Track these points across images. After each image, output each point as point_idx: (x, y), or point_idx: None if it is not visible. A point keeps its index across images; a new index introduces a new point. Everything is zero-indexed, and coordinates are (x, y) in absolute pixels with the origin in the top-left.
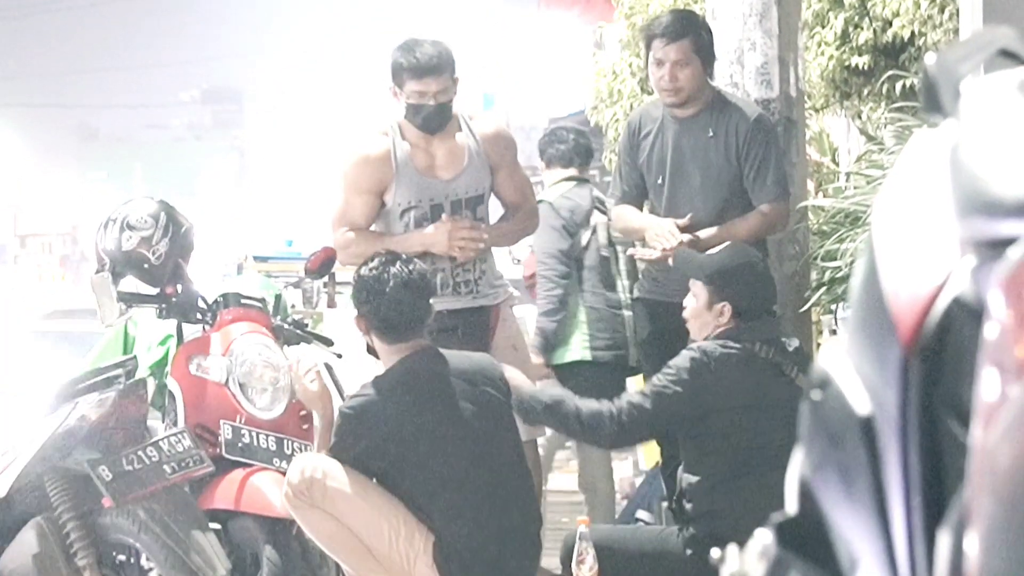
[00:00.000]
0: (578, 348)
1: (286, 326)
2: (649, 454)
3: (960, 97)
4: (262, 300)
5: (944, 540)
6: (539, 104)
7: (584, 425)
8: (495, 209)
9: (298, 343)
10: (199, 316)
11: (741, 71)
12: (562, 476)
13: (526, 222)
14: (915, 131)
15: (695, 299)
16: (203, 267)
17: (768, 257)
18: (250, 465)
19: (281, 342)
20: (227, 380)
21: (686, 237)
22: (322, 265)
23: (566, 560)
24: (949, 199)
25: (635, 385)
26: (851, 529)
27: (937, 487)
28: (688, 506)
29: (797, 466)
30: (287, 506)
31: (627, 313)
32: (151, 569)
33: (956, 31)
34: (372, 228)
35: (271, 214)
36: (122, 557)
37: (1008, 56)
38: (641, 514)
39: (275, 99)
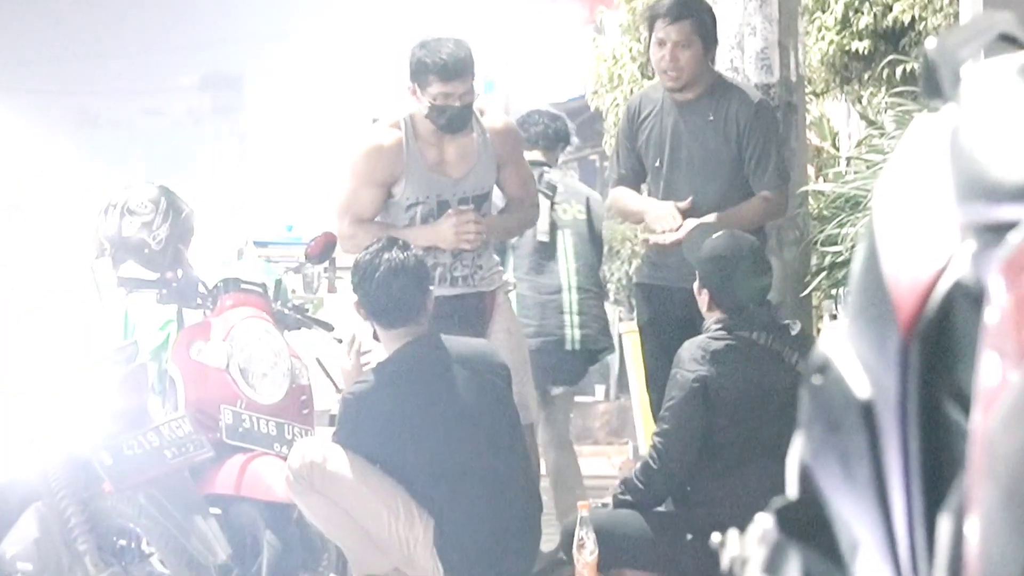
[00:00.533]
0: None
1: (286, 311)
2: (649, 438)
3: (960, 82)
4: (262, 285)
5: (944, 525)
6: (539, 89)
7: (647, 488)
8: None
9: (298, 328)
10: (199, 301)
11: (741, 56)
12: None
13: (528, 215)
14: (915, 116)
15: (695, 284)
16: (203, 252)
17: (768, 242)
18: (250, 450)
19: (281, 327)
20: (227, 365)
21: (692, 221)
22: (322, 250)
23: (566, 545)
24: (949, 184)
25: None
26: (851, 514)
27: (937, 472)
28: (688, 490)
29: (797, 451)
30: (288, 490)
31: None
32: (151, 554)
33: (956, 16)
34: (376, 219)
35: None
36: (122, 542)
37: (1008, 41)
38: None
39: (275, 84)
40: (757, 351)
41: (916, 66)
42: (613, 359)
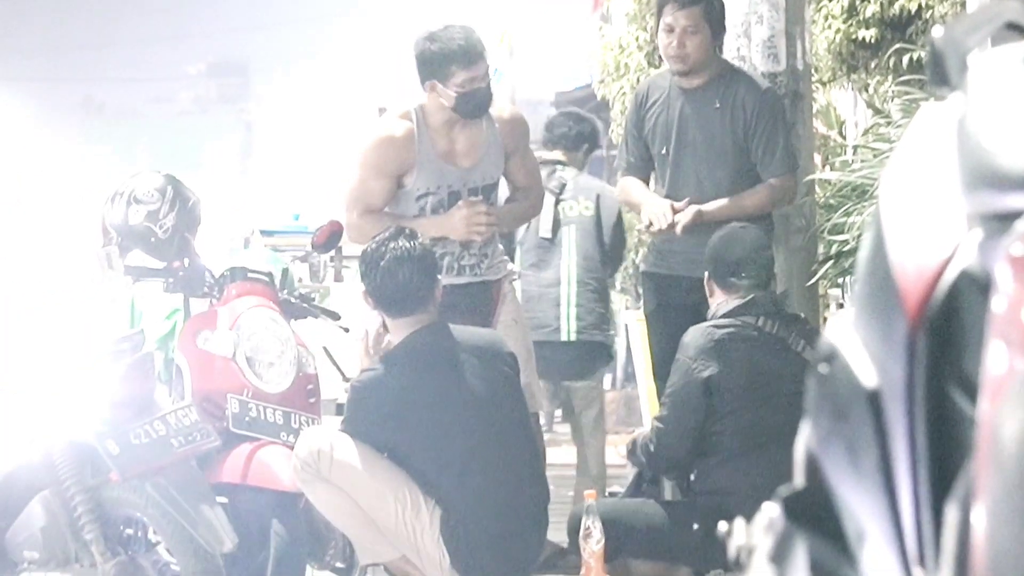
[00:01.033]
0: None
1: (293, 300)
2: None
3: (967, 70)
4: (269, 274)
5: (951, 513)
6: (546, 78)
7: (648, 464)
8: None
9: (305, 317)
10: (206, 290)
11: (748, 44)
12: (567, 450)
13: (534, 204)
14: (922, 104)
15: (706, 274)
16: (210, 241)
17: (775, 231)
18: (257, 439)
19: (288, 316)
20: (234, 354)
21: (690, 210)
22: (329, 239)
23: (573, 534)
24: (956, 172)
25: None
26: (858, 502)
27: (944, 460)
28: (694, 479)
29: (804, 439)
30: (295, 479)
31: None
32: (158, 543)
33: (963, 4)
34: (386, 210)
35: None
36: (129, 531)
37: (1015, 29)
38: (647, 488)
39: (282, 73)
40: (762, 338)
41: (923, 54)
42: (619, 348)
